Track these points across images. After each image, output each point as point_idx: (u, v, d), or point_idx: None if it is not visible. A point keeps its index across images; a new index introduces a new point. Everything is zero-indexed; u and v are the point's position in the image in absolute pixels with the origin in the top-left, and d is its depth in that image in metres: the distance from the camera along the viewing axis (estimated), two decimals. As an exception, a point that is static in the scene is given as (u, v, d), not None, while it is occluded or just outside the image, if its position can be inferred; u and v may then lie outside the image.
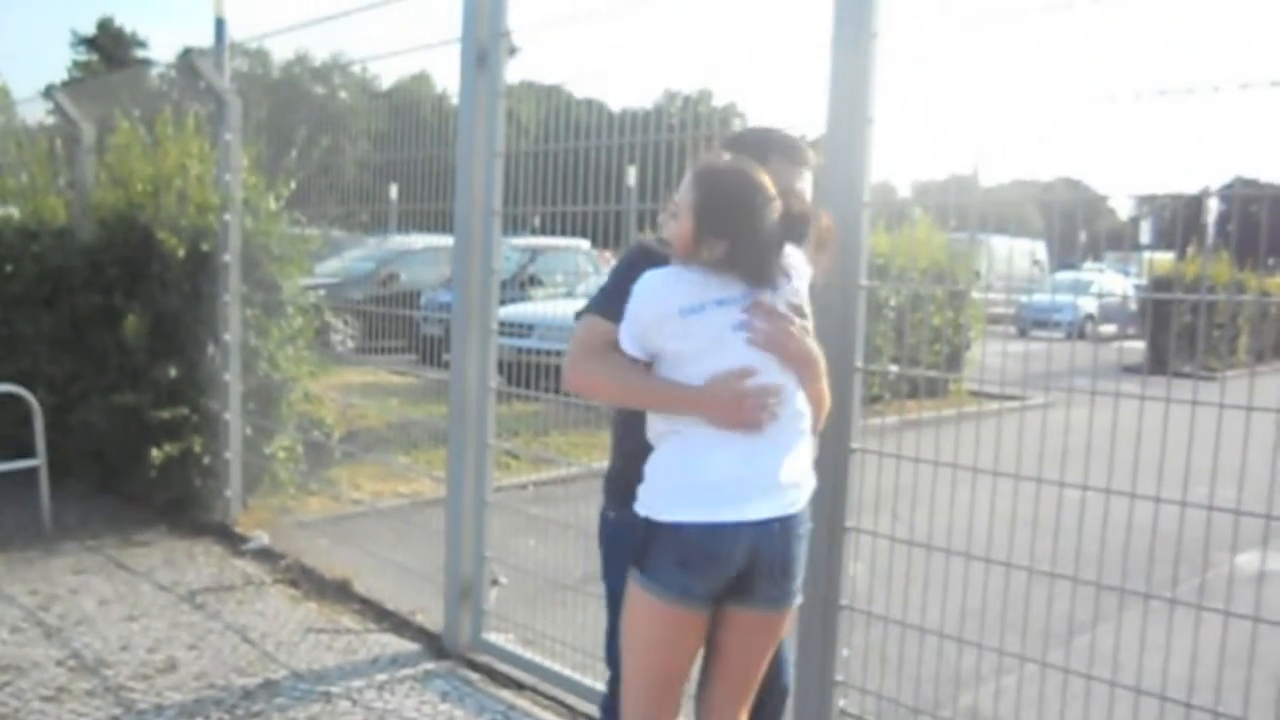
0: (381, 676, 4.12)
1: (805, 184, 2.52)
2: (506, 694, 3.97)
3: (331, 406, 6.23)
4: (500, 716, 3.79)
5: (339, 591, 4.99)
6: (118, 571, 5.32)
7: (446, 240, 4.34)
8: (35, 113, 9.20)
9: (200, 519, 5.96)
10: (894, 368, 3.56)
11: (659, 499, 2.27)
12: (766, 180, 2.27)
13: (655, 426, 2.35)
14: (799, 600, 2.38)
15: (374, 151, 5.87)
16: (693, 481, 2.25)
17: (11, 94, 9.13)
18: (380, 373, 7.01)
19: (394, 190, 7.03)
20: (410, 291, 8.76)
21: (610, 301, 2.37)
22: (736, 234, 2.24)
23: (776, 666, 2.63)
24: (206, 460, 5.93)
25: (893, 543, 3.05)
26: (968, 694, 3.64)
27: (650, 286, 2.30)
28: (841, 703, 3.10)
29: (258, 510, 6.00)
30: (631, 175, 3.94)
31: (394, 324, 5.81)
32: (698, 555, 2.22)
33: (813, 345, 2.36)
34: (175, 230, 5.80)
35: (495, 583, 4.24)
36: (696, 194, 2.28)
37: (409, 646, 4.42)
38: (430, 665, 4.23)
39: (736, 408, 2.23)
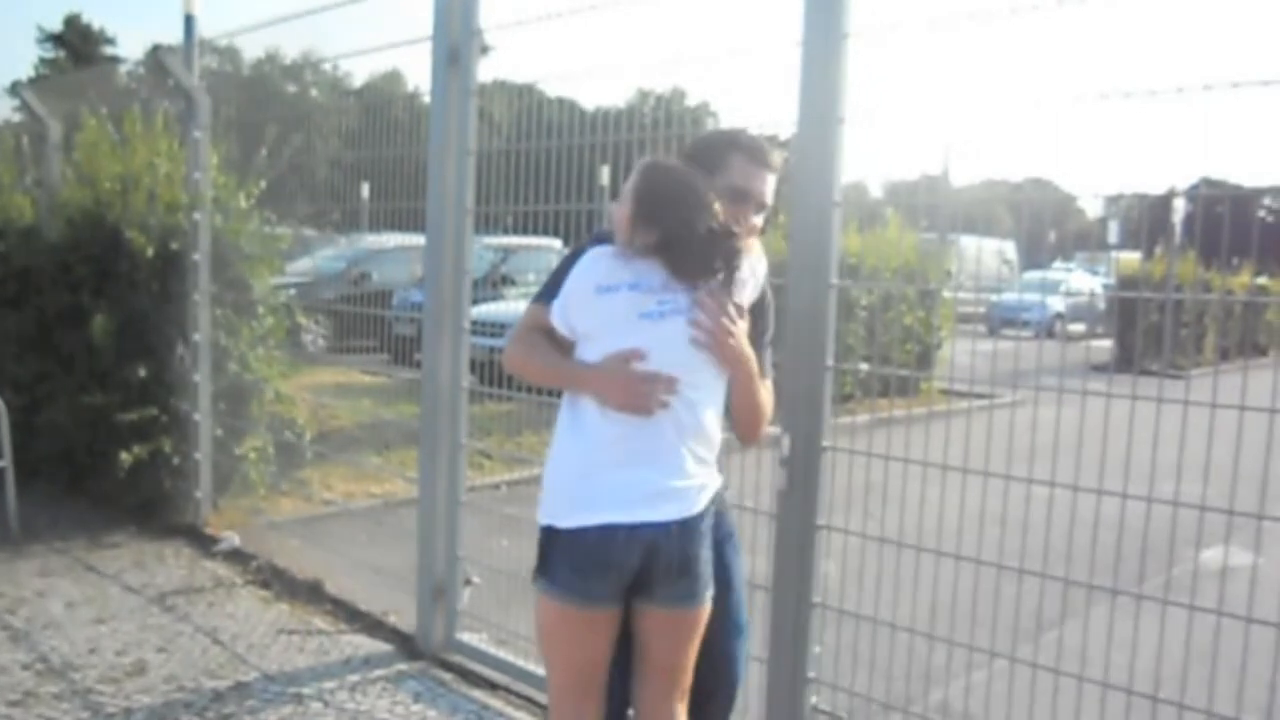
0: (354, 677, 4.11)
1: (766, 186, 2.52)
2: (480, 694, 3.97)
3: (303, 407, 6.20)
4: (474, 716, 3.79)
5: (311, 592, 4.96)
6: (86, 574, 5.26)
7: (419, 239, 4.33)
8: (0, 110, 9.13)
9: (170, 520, 5.90)
10: (865, 366, 3.59)
11: (557, 505, 2.33)
12: (709, 191, 2.33)
13: (561, 414, 2.42)
14: (707, 598, 2.40)
15: (345, 150, 5.85)
16: (588, 485, 2.30)
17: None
18: (352, 373, 6.98)
19: (365, 189, 7.00)
20: (382, 291, 8.72)
21: (552, 289, 2.45)
22: (667, 226, 2.29)
23: (726, 663, 2.64)
24: (176, 461, 5.89)
25: (864, 540, 3.07)
26: (938, 690, 3.67)
27: (581, 262, 2.38)
28: (814, 699, 3.12)
29: (228, 511, 5.96)
30: (605, 174, 3.94)
31: (366, 323, 5.79)
32: (592, 560, 2.28)
33: (747, 348, 2.38)
34: (144, 229, 5.75)
35: (468, 582, 4.23)
36: (639, 182, 2.35)
37: (382, 647, 4.40)
38: (403, 666, 4.21)
39: (624, 389, 2.28)
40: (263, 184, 5.88)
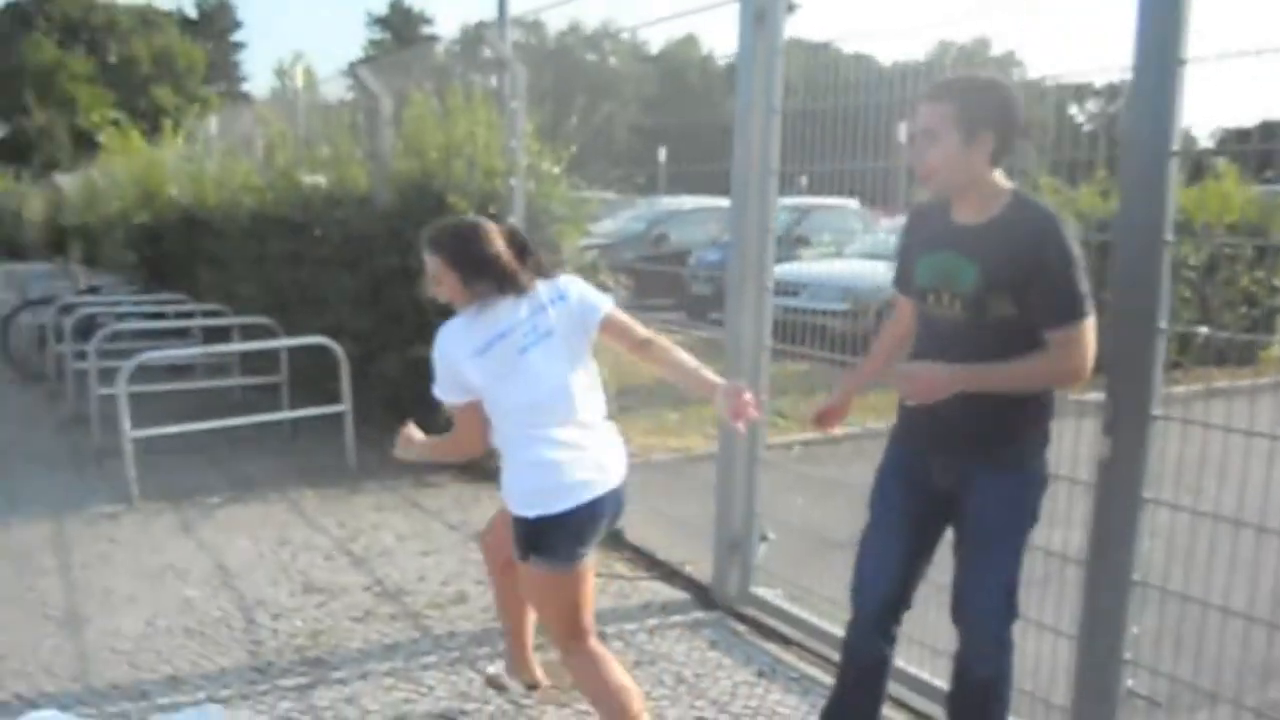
0: (652, 621, 4.28)
1: (919, 118, 2.59)
2: (773, 647, 4.02)
3: (607, 361, 6.44)
4: (767, 667, 3.85)
5: (611, 539, 5.16)
6: (413, 510, 5.77)
7: (714, 201, 4.40)
8: (335, 90, 10.00)
9: (485, 464, 6.27)
10: (1204, 330, 3.30)
11: (545, 499, 2.79)
12: (475, 219, 3.03)
13: (500, 441, 2.93)
14: None
15: (643, 115, 5.98)
16: (563, 477, 2.79)
17: (315, 74, 9.96)
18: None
19: (662, 153, 7.17)
20: (679, 251, 8.89)
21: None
22: (489, 268, 2.86)
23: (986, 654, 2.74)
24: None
25: (1194, 516, 2.84)
26: (1279, 686, 3.36)
27: (441, 344, 2.89)
28: (1130, 682, 2.94)
29: (537, 459, 6.30)
30: (902, 131, 3.83)
31: (663, 283, 5.93)
32: (589, 528, 2.84)
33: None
34: (465, 195, 6.14)
35: (764, 538, 4.28)
36: (442, 255, 2.92)
37: (678, 595, 4.55)
38: (699, 614, 4.34)
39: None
40: (572, 150, 6.12)
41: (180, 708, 3.52)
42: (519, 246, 2.94)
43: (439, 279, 2.94)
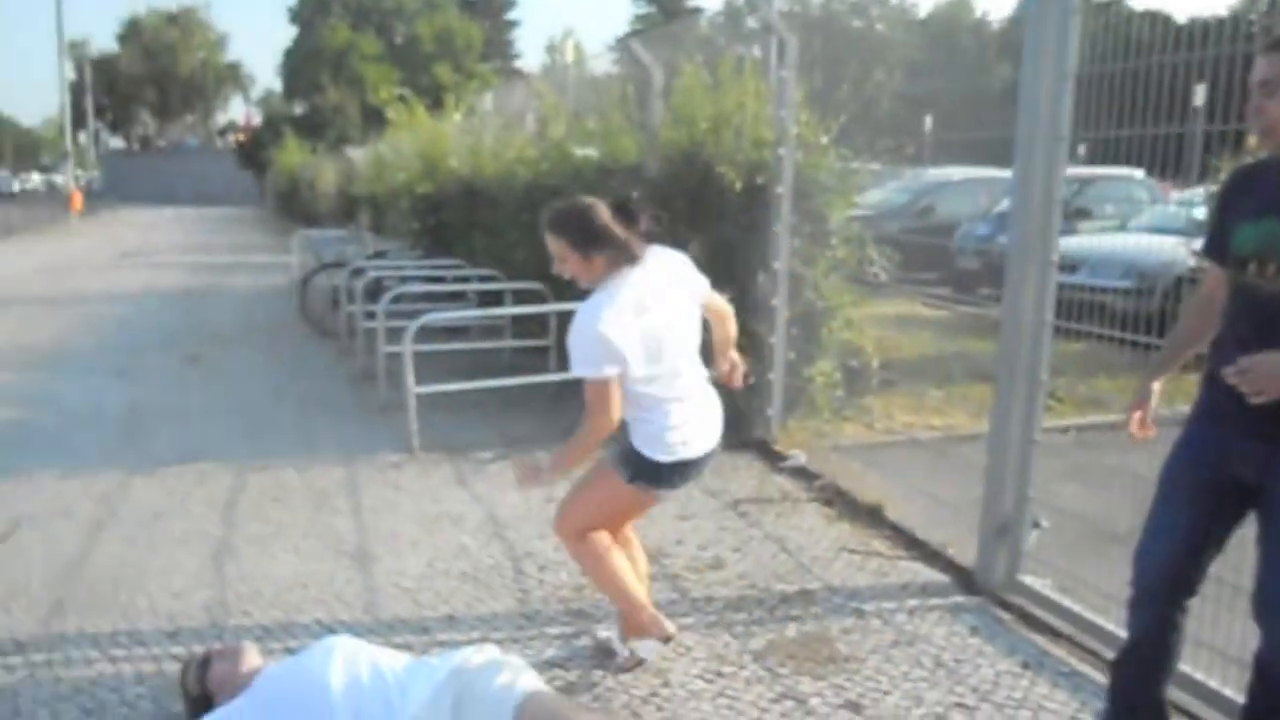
0: (912, 602, 4.18)
1: (1260, 70, 2.39)
2: (1040, 639, 3.85)
3: (869, 336, 6.33)
4: (1033, 660, 3.69)
5: (870, 516, 5.12)
6: (671, 475, 5.88)
7: (984, 172, 4.21)
8: (602, 65, 10.27)
9: (744, 434, 6.28)
10: None
11: (677, 447, 3.29)
12: (580, 198, 3.31)
13: (636, 411, 3.30)
14: None
15: (910, 82, 5.79)
16: (690, 433, 3.32)
17: (584, 50, 10.22)
18: (913, 305, 7.01)
19: (928, 121, 6.94)
20: (946, 224, 8.59)
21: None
22: (606, 238, 3.15)
23: None
24: (752, 380, 6.31)
25: None
26: None
27: (589, 320, 3.10)
28: None
29: (795, 431, 6.30)
30: (1199, 94, 3.53)
31: (928, 256, 5.76)
32: (695, 472, 3.41)
33: None
34: (733, 165, 6.15)
35: (1036, 525, 4.09)
36: (562, 236, 3.20)
37: (938, 578, 4.43)
38: (960, 599, 4.21)
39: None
40: (841, 120, 6.01)
41: (458, 645, 3.77)
42: (626, 216, 3.21)
43: (563, 258, 3.23)
